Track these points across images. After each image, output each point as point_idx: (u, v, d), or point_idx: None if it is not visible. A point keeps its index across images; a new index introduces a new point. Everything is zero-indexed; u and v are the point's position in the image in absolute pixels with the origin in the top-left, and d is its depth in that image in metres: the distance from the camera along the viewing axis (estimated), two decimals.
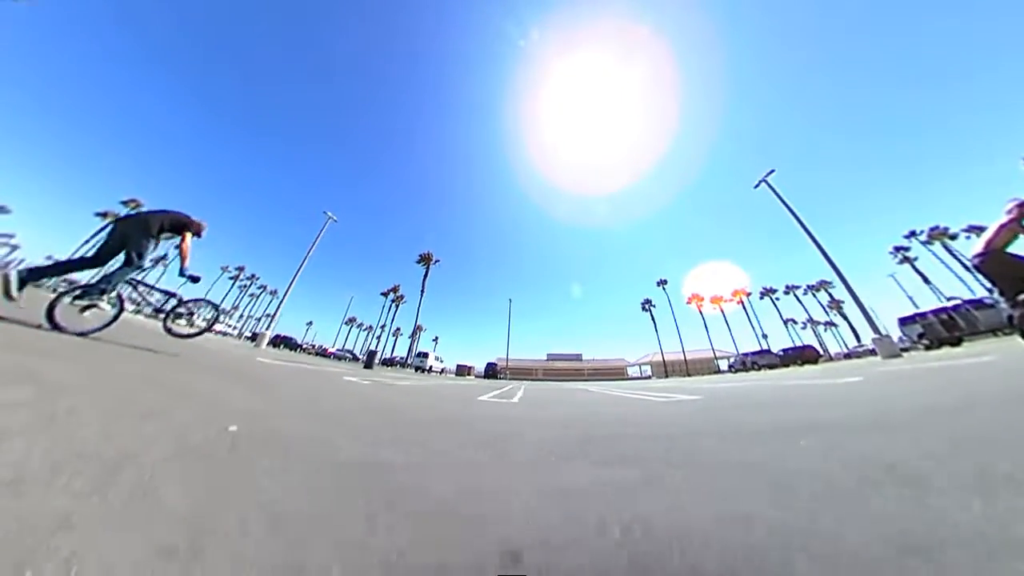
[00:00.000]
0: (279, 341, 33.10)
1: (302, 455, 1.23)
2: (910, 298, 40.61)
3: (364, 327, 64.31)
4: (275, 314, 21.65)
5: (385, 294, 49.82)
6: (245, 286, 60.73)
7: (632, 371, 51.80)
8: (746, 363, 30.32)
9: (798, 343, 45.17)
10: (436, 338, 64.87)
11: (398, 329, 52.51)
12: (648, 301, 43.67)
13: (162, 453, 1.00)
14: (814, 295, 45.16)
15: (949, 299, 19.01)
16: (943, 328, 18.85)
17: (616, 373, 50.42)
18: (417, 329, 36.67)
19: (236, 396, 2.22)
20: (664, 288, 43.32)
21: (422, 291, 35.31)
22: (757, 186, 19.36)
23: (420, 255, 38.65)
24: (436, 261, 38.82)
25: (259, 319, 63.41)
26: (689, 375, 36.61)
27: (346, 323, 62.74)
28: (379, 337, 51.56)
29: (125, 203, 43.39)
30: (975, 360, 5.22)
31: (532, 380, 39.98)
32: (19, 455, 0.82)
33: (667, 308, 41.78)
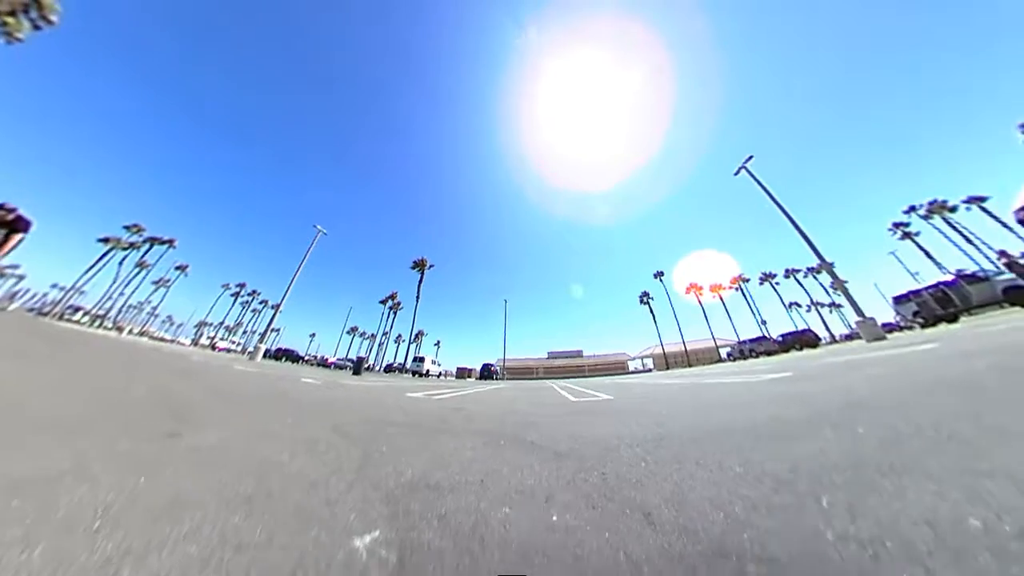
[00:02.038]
0: (281, 354, 33.65)
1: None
2: (912, 274, 39.66)
3: (366, 336, 65.13)
4: (268, 326, 22.14)
5: (383, 302, 50.34)
6: (247, 303, 61.90)
7: (633, 365, 51.56)
8: (743, 351, 30.01)
9: (802, 327, 44.51)
10: (438, 342, 65.38)
11: (399, 336, 53.03)
12: (646, 294, 43.37)
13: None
14: (815, 277, 44.34)
15: (957, 272, 18.57)
16: (937, 305, 18.48)
17: (617, 368, 50.23)
18: (418, 335, 37.07)
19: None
20: (661, 280, 42.97)
21: (417, 297, 35.67)
22: (737, 173, 19.18)
23: (414, 261, 38.97)
24: (431, 266, 39.11)
25: (262, 334, 64.50)
26: (691, 366, 36.33)
27: (347, 333, 63.57)
28: (381, 344, 52.24)
29: (128, 228, 44.56)
30: (919, 348, 5.07)
31: (530, 379, 40.07)
32: None
33: (665, 300, 41.51)
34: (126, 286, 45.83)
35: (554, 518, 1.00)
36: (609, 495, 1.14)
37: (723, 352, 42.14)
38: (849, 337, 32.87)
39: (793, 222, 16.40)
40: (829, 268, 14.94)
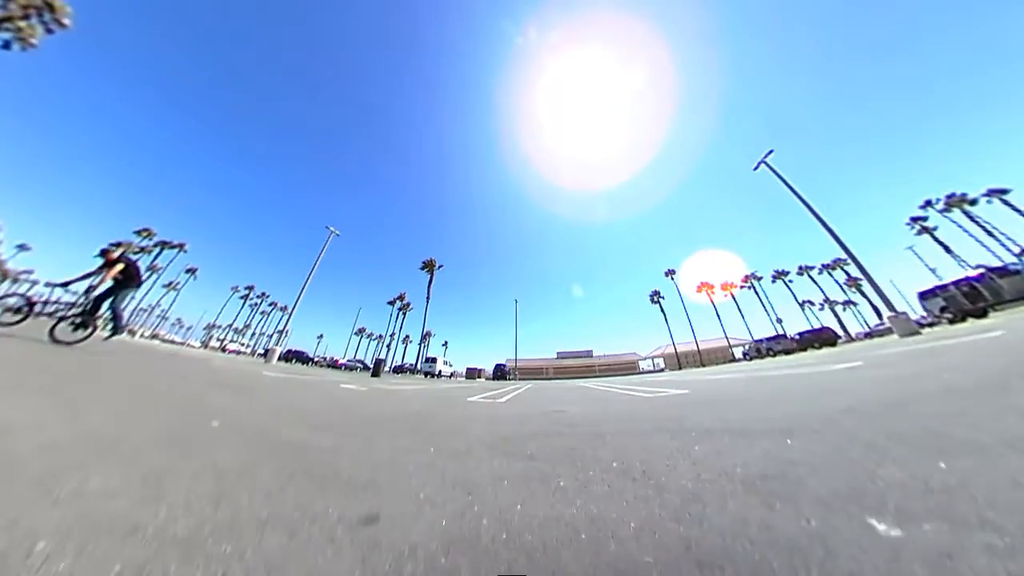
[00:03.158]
0: (291, 356, 33.72)
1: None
2: (931, 270, 38.85)
3: (373, 337, 65.22)
4: (284, 329, 22.11)
5: (392, 303, 50.37)
6: (256, 304, 62.30)
7: (644, 365, 51.03)
8: (760, 349, 29.50)
9: (816, 326, 43.78)
10: (446, 343, 65.30)
11: (407, 337, 53.03)
12: (657, 293, 42.97)
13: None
14: (830, 274, 43.62)
15: (976, 267, 18.08)
16: (966, 300, 18.02)
17: (628, 368, 49.76)
18: (426, 335, 36.94)
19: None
20: (672, 278, 42.53)
21: (427, 297, 35.57)
22: (756, 168, 18.88)
23: (423, 262, 38.92)
24: (440, 267, 39.04)
25: (271, 336, 64.96)
26: (703, 365, 35.81)
27: (355, 334, 63.72)
28: (389, 346, 52.23)
29: (139, 232, 45.05)
30: (980, 337, 5.04)
31: (541, 379, 39.79)
32: None
33: (677, 299, 41.08)
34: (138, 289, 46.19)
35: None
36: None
37: (736, 352, 41.55)
38: (869, 335, 32.16)
39: (818, 217, 16.07)
40: (859, 264, 14.55)
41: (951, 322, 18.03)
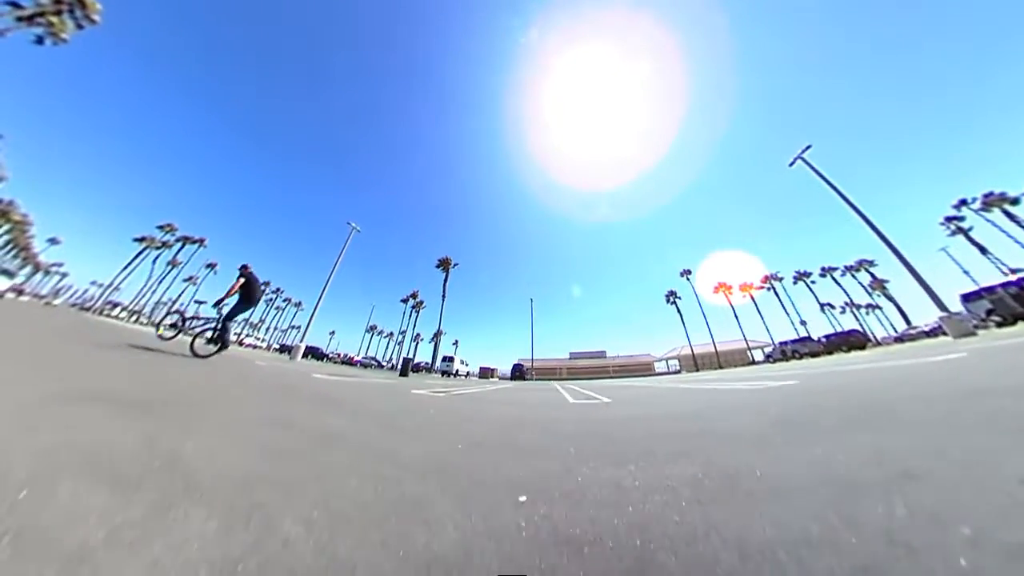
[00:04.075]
0: (307, 352, 34.04)
1: None
2: (966, 272, 37.31)
3: (385, 334, 65.61)
4: (307, 326, 22.20)
5: (405, 300, 50.52)
6: (271, 300, 63.14)
7: (659, 366, 50.23)
8: (786, 352, 28.65)
9: (837, 329, 42.51)
10: (456, 341, 65.15)
11: (418, 334, 53.17)
12: (673, 293, 42.23)
13: None
14: (853, 276, 42.23)
15: (1014, 271, 17.23)
16: (1016, 302, 17.17)
17: (643, 369, 49.04)
18: (438, 333, 36.90)
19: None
20: (688, 278, 41.79)
21: (443, 295, 35.50)
22: (792, 163, 18.29)
23: (439, 260, 38.87)
24: (455, 265, 38.96)
25: (284, 331, 65.86)
26: (721, 367, 35.03)
27: (367, 331, 64.17)
28: (400, 343, 52.44)
29: (161, 227, 46.04)
30: None
31: (556, 380, 39.40)
32: None
33: (693, 299, 40.30)
34: (159, 283, 47.30)
35: None
36: None
37: (756, 354, 40.56)
38: (900, 339, 30.97)
39: (861, 214, 15.45)
40: (908, 263, 13.88)
41: (999, 326, 17.20)
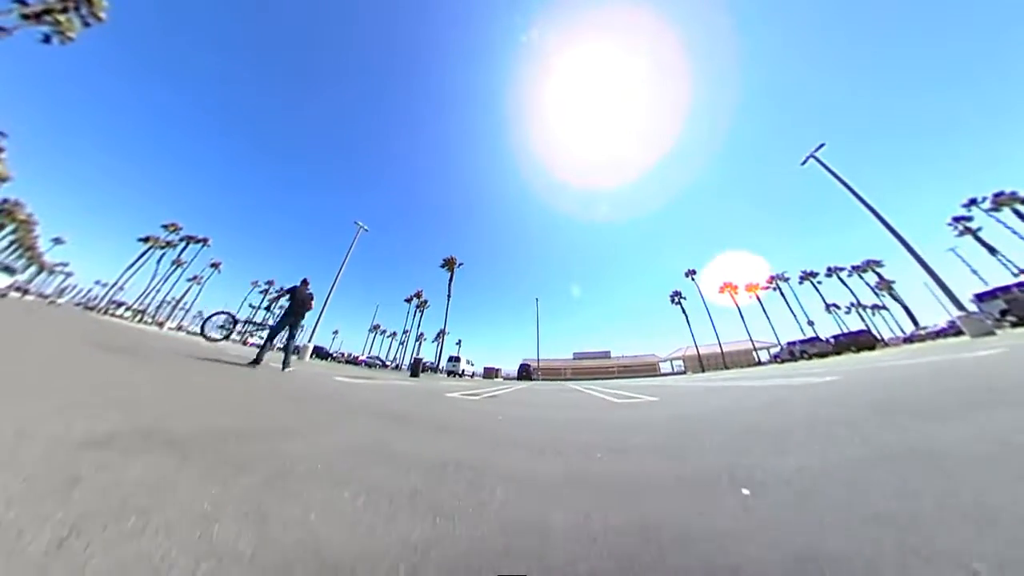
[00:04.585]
0: (312, 352, 33.95)
1: None
2: (975, 272, 37.05)
3: (388, 333, 65.53)
4: (315, 325, 22.10)
5: (408, 300, 50.43)
6: (275, 299, 63.11)
7: (664, 367, 50.05)
8: (794, 352, 28.50)
9: (844, 329, 42.25)
10: (459, 341, 65.01)
11: (421, 334, 53.03)
12: (677, 293, 42.05)
13: None
14: (860, 276, 42.00)
15: (1021, 272, 17.07)
16: None
17: (647, 369, 48.88)
18: (443, 333, 36.80)
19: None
20: (693, 278, 41.55)
21: (448, 295, 35.38)
22: (805, 162, 18.18)
23: (444, 260, 38.77)
24: (460, 265, 38.87)
25: (311, 333, 65.67)
26: (727, 368, 34.83)
27: (371, 330, 64.10)
28: (404, 343, 52.31)
29: (166, 227, 46.06)
30: None
31: (562, 380, 39.25)
32: None
33: (698, 299, 40.10)
34: (164, 282, 47.32)
35: None
36: None
37: (762, 355, 40.35)
38: (909, 339, 30.75)
39: (876, 213, 15.30)
40: (924, 262, 13.72)
41: (1014, 325, 17.05)
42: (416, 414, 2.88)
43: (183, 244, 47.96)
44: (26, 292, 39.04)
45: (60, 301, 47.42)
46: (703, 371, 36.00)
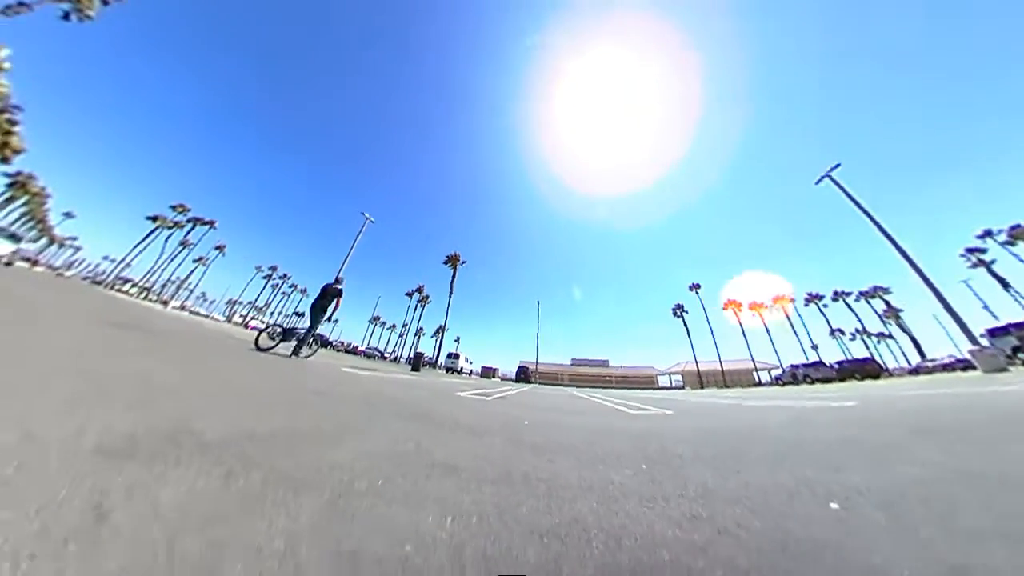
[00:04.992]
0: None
1: None
2: (986, 307, 36.48)
3: (387, 326, 65.59)
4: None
5: (410, 294, 50.46)
6: (277, 285, 63.43)
7: (662, 380, 49.53)
8: (796, 375, 28.01)
9: (847, 356, 41.65)
10: (458, 338, 64.90)
11: (420, 329, 52.96)
12: (680, 307, 41.69)
13: None
14: (868, 302, 41.49)
15: None
16: None
17: (645, 382, 48.37)
18: (442, 329, 36.66)
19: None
20: (697, 293, 41.24)
21: (450, 292, 35.31)
22: (819, 182, 18.01)
23: (447, 256, 38.78)
24: (463, 262, 38.85)
25: (288, 316, 66.08)
26: (727, 386, 34.39)
27: (371, 321, 64.17)
28: (403, 336, 52.26)
29: (174, 207, 46.48)
30: None
31: (560, 385, 38.95)
32: None
33: (701, 315, 39.75)
34: (170, 262, 47.69)
35: None
36: None
37: (762, 375, 39.83)
38: (915, 371, 30.18)
39: (889, 237, 15.07)
40: (937, 290, 13.43)
41: None
42: (442, 415, 2.76)
43: (190, 225, 48.39)
44: (35, 263, 39.41)
45: (68, 274, 47.92)
46: (702, 387, 35.57)
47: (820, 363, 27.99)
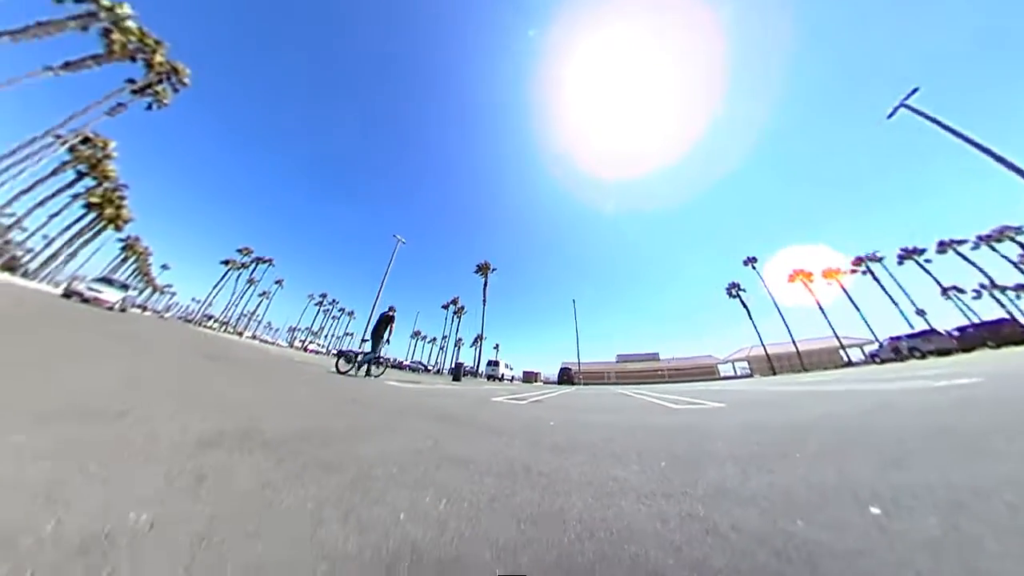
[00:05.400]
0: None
1: None
2: None
3: (428, 339, 68.06)
4: (364, 333, 23.18)
5: (446, 306, 51.67)
6: (328, 310, 69.27)
7: (724, 369, 44.43)
8: (899, 349, 23.02)
9: (973, 320, 33.48)
10: (497, 345, 65.16)
11: (460, 339, 53.97)
12: (735, 285, 37.11)
13: None
14: (992, 248, 32.81)
15: None
16: None
17: (703, 373, 43.65)
18: (480, 338, 36.74)
19: None
20: (754, 267, 36.42)
21: (484, 300, 35.36)
22: (893, 114, 14.74)
23: (477, 265, 38.96)
24: (493, 270, 38.77)
25: (340, 337, 72.02)
26: (805, 369, 29.62)
27: (412, 336, 67.12)
28: (443, 348, 53.66)
29: (240, 251, 53.12)
30: None
31: (605, 384, 36.81)
32: None
33: (761, 291, 34.96)
34: (240, 298, 54.61)
35: None
36: None
37: (853, 354, 33.84)
38: None
39: (1002, 159, 11.57)
40: None
41: None
42: (468, 418, 2.96)
43: (254, 265, 54.94)
44: (145, 309, 47.60)
45: (167, 315, 57.17)
46: (774, 373, 31.12)
47: (931, 331, 22.62)
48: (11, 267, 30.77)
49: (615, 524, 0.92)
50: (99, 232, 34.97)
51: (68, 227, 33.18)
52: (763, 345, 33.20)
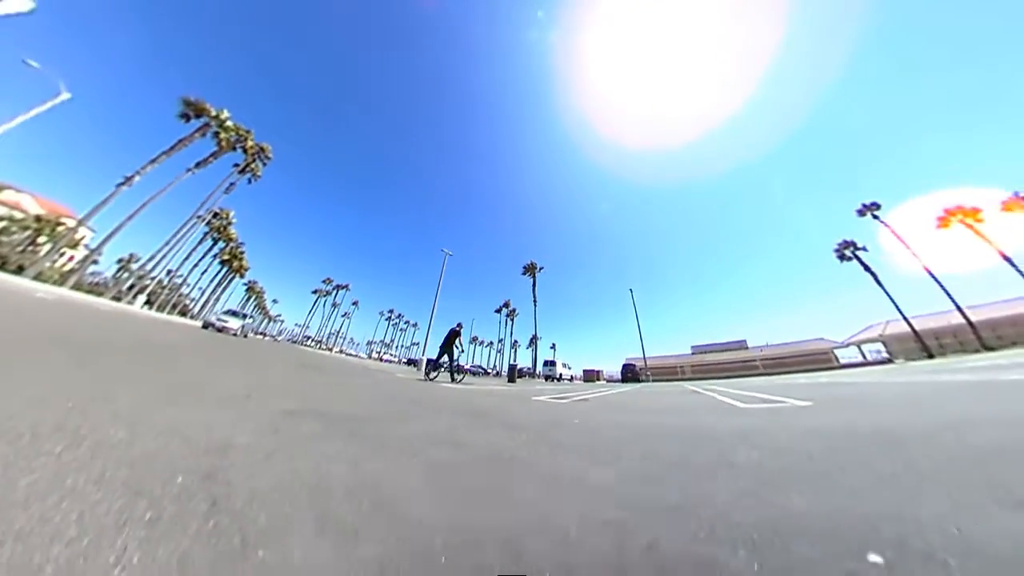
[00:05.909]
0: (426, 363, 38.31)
1: None
2: None
3: (485, 344, 69.77)
4: (425, 343, 24.37)
5: (498, 310, 52.12)
6: (396, 323, 76.28)
7: (844, 355, 35.17)
8: None
9: None
10: (553, 345, 63.66)
11: (515, 342, 53.83)
12: (849, 244, 28.95)
13: None
14: None
15: None
16: None
17: (814, 361, 34.78)
18: (534, 339, 35.79)
19: None
20: (876, 215, 27.83)
21: (534, 300, 34.48)
22: None
23: (524, 266, 38.33)
24: (541, 269, 37.66)
25: (407, 347, 78.72)
26: (986, 348, 21.59)
27: (471, 342, 69.71)
28: (500, 351, 54.14)
29: (324, 281, 61.89)
30: None
31: (678, 380, 32.32)
32: None
33: (892, 245, 26.65)
34: (328, 320, 63.86)
35: None
36: None
37: None
38: None
39: None
40: None
41: None
42: (493, 413, 3.19)
43: (335, 291, 63.67)
44: (264, 335, 58.83)
45: (279, 339, 69.65)
46: (929, 356, 23.43)
47: None
48: (184, 311, 43.54)
49: (556, 521, 0.97)
50: (231, 281, 45.09)
51: (212, 279, 43.39)
52: (906, 319, 25.25)
